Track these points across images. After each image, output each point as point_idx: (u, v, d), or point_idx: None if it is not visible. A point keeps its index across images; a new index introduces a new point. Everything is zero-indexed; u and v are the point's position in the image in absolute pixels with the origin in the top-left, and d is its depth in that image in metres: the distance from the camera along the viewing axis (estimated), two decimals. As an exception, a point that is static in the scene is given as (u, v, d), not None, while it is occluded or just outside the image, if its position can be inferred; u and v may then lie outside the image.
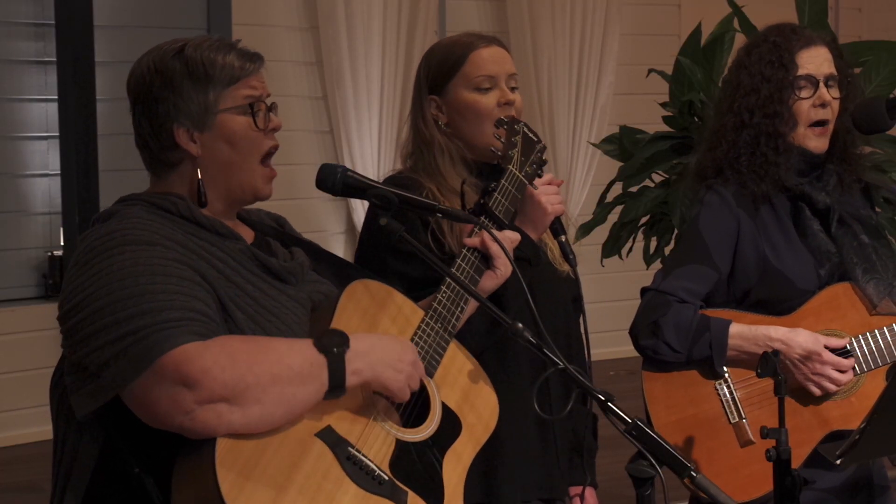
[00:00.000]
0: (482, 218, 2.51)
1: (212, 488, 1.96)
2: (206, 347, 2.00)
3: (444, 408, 2.31)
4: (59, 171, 6.57)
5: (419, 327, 2.33)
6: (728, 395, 2.93)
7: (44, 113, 6.66)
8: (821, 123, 2.96)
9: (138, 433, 2.08)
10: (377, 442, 2.17)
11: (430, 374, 2.31)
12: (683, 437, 2.92)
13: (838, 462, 2.57)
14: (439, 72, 2.80)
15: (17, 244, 6.68)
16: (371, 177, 2.60)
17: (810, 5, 4.53)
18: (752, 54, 3.01)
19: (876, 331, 2.92)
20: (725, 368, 2.92)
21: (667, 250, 4.58)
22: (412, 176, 2.77)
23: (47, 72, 6.61)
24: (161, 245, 2.10)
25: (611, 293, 7.09)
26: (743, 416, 2.91)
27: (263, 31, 7.03)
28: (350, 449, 2.13)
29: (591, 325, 2.73)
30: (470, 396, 2.36)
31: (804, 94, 2.96)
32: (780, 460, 2.52)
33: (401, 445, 2.21)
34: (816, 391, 2.89)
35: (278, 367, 2.04)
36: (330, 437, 2.11)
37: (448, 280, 2.38)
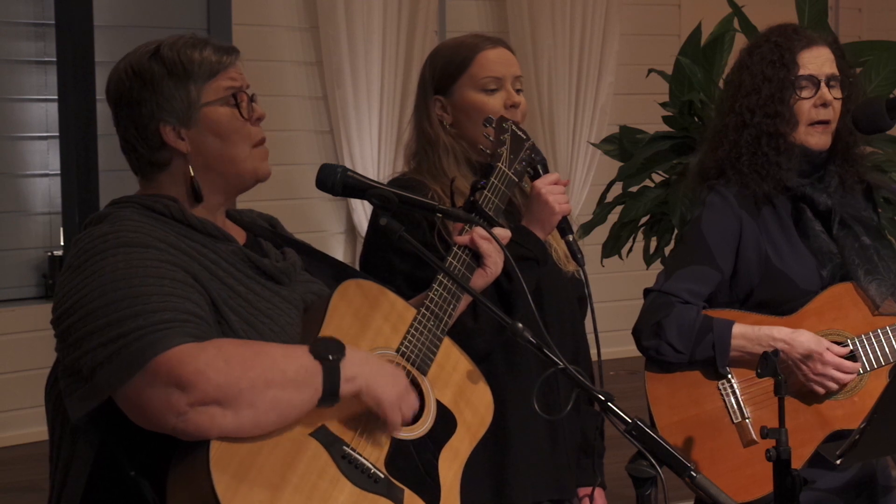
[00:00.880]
0: (473, 215, 2.51)
1: (207, 490, 1.95)
2: (201, 349, 2.00)
3: (439, 405, 2.31)
4: (59, 171, 6.57)
5: (412, 325, 2.33)
6: (731, 396, 2.93)
7: (44, 113, 6.66)
8: (822, 123, 2.96)
9: (133, 437, 2.07)
10: (372, 440, 2.17)
11: (424, 372, 2.31)
12: (686, 437, 2.92)
13: (838, 461, 2.57)
14: (445, 72, 2.80)
15: (17, 244, 6.68)
16: (371, 177, 2.59)
17: (810, 5, 4.53)
18: (753, 55, 3.01)
19: (879, 330, 2.92)
20: (728, 369, 2.93)
21: (667, 250, 4.58)
22: (416, 177, 2.77)
23: (47, 72, 6.61)
24: (154, 247, 2.09)
25: (611, 293, 7.08)
26: (746, 416, 2.91)
27: (263, 31, 7.02)
28: (345, 448, 2.13)
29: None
30: (465, 393, 2.36)
31: (805, 94, 2.96)
32: (780, 460, 2.51)
33: (396, 443, 2.20)
34: (820, 390, 2.89)
35: (272, 371, 2.03)
36: (325, 437, 2.11)
37: (440, 278, 2.38)
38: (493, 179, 2.56)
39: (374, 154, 7.18)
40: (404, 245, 2.36)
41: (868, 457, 2.91)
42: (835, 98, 2.97)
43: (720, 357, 2.90)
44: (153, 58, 2.20)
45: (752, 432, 2.89)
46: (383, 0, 7.12)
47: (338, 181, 2.36)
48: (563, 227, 2.69)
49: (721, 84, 3.83)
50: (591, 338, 2.81)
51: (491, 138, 2.63)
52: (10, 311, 6.50)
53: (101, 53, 6.45)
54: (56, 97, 6.53)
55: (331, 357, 2.08)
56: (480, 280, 2.49)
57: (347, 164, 5.85)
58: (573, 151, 7.79)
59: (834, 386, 2.88)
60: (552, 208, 2.66)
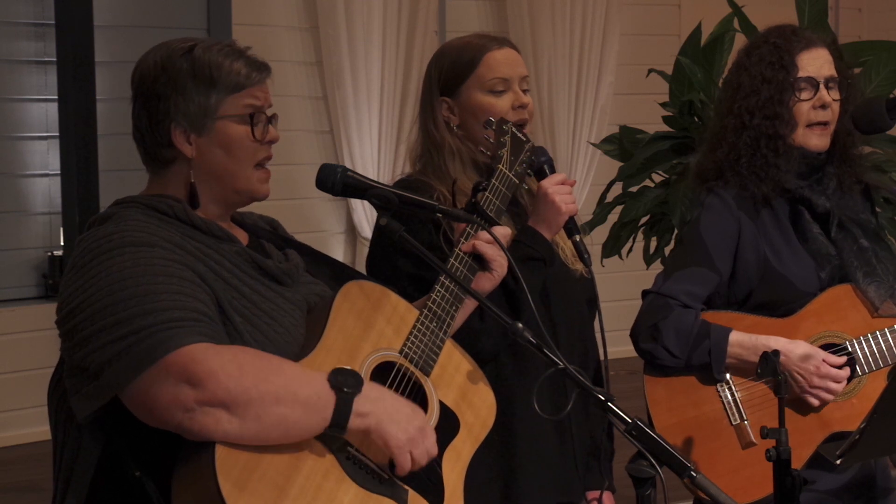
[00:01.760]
0: (475, 216, 2.51)
1: (213, 491, 1.96)
2: (217, 352, 2.00)
3: (442, 406, 2.31)
4: (59, 171, 6.57)
5: (415, 326, 2.33)
6: (729, 397, 2.93)
7: (44, 113, 6.65)
8: (821, 125, 2.96)
9: (139, 436, 2.08)
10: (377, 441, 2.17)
11: (427, 373, 2.31)
12: (685, 439, 2.91)
13: (838, 462, 2.57)
14: (451, 73, 2.78)
15: (17, 244, 6.67)
16: (371, 177, 2.59)
17: (810, 5, 4.53)
18: (752, 56, 3.01)
19: (878, 332, 2.92)
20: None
21: (667, 250, 4.58)
22: (422, 179, 2.76)
23: (47, 72, 6.60)
24: (160, 247, 2.10)
25: (611, 293, 7.04)
26: (744, 417, 2.91)
27: (263, 31, 7.02)
28: (350, 449, 2.13)
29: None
30: (467, 394, 2.37)
31: (804, 95, 2.95)
32: (779, 460, 2.51)
33: (400, 445, 2.21)
34: (814, 402, 2.89)
35: (284, 390, 2.03)
36: (329, 438, 2.11)
37: (442, 279, 2.38)
38: (493, 181, 2.56)
39: (374, 154, 7.18)
40: (407, 246, 2.36)
41: (868, 457, 2.91)
42: (833, 99, 2.97)
43: (716, 364, 2.89)
44: (185, 56, 2.20)
45: (751, 434, 2.89)
46: (383, 0, 7.12)
47: (338, 181, 2.36)
48: (570, 227, 2.69)
49: (720, 84, 3.83)
50: (596, 339, 2.81)
51: (491, 140, 2.63)
52: (10, 311, 6.50)
53: (101, 53, 6.45)
54: (56, 97, 6.53)
55: (346, 389, 2.08)
56: (488, 283, 2.49)
57: (347, 164, 5.85)
58: (573, 151, 7.79)
59: (829, 397, 2.88)
60: (559, 208, 2.66)
